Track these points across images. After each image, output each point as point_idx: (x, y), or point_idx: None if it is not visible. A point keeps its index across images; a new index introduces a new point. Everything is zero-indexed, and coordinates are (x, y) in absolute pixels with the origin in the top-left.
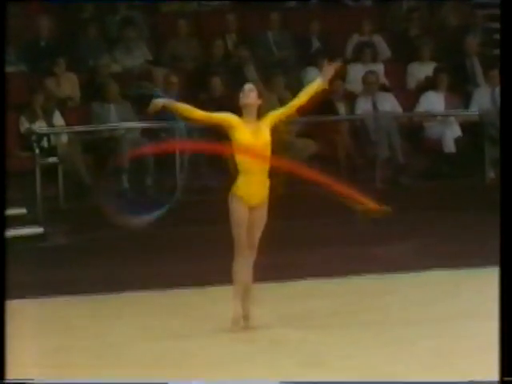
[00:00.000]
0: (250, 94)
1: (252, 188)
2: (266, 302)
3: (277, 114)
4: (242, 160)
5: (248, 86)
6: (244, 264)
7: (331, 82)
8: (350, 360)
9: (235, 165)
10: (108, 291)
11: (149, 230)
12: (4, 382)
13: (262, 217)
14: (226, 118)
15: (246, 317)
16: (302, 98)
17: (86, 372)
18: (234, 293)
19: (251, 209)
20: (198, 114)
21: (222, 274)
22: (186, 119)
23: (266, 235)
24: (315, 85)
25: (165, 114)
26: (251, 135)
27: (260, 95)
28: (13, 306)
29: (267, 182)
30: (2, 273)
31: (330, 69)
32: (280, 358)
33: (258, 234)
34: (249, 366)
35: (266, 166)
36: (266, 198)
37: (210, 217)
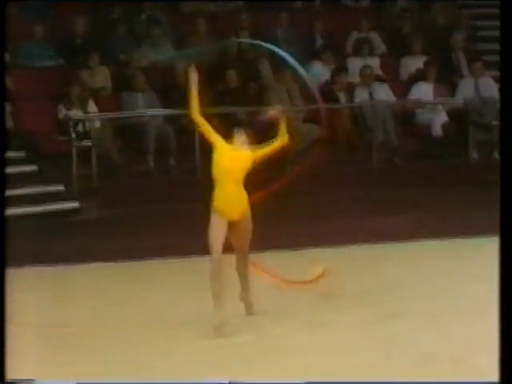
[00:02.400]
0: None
1: (231, 202)
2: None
3: (261, 154)
4: (217, 174)
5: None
6: (218, 270)
7: (336, 75)
8: (349, 316)
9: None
10: (135, 258)
11: (175, 204)
12: (5, 381)
13: (246, 229)
14: (211, 137)
15: (249, 304)
16: (276, 145)
17: (115, 327)
18: (213, 298)
19: (234, 223)
20: (198, 115)
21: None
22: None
23: (271, 209)
24: (279, 142)
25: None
26: (229, 159)
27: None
28: (53, 271)
29: (244, 195)
30: (2, 246)
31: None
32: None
33: (246, 244)
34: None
35: (240, 180)
36: (246, 211)
37: None
